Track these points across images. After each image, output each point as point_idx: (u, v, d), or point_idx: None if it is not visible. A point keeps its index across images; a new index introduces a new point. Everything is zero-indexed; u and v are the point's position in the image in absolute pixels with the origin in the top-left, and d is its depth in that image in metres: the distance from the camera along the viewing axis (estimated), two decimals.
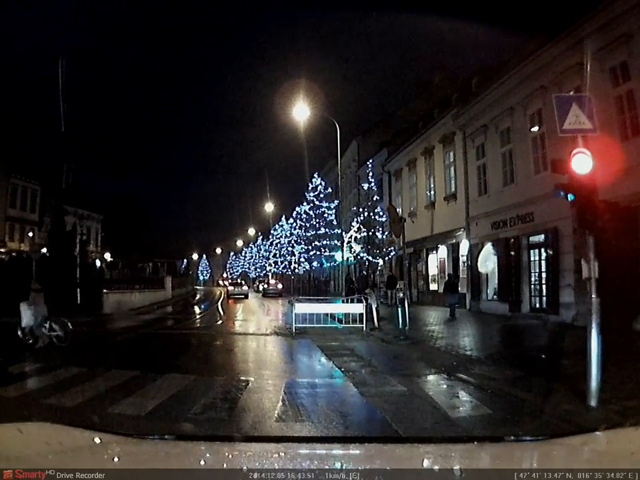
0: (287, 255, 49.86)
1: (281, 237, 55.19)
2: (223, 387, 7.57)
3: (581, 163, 6.09)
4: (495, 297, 20.70)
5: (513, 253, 19.32)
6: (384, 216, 26.68)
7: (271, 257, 64.20)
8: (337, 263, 32.59)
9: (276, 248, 58.79)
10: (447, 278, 22.36)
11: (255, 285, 70.05)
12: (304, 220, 39.93)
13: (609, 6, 13.61)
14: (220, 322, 20.80)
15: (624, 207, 6.84)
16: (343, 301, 17.62)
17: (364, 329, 14.97)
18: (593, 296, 6.23)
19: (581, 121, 6.35)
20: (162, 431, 4.01)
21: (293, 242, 45.68)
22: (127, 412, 6.05)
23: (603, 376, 6.19)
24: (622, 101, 13.65)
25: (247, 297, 43.45)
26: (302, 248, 39.97)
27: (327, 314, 17.05)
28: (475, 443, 2.87)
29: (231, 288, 48.63)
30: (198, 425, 5.60)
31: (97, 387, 7.31)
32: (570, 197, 6.21)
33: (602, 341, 6.15)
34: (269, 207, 56.78)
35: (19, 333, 11.68)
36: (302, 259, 41.35)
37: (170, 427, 5.46)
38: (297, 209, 45.38)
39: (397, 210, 20.52)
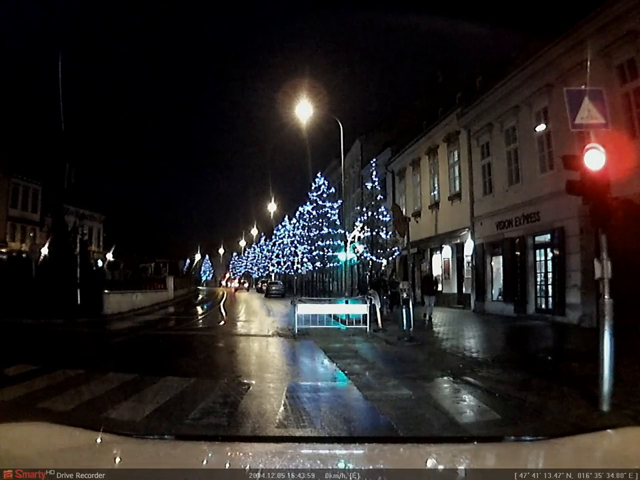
0: (289, 256, 49.66)
1: (284, 237, 54.98)
2: (223, 390, 7.37)
3: (594, 158, 5.89)
4: (500, 297, 20.52)
5: (518, 253, 19.13)
6: (388, 215, 26.47)
7: (273, 257, 64.05)
8: (340, 263, 32.34)
9: (279, 248, 58.61)
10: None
11: (257, 286, 70.39)
12: (307, 220, 39.72)
13: (615, 3, 13.46)
14: (222, 323, 20.62)
15: (637, 204, 6.62)
16: (347, 302, 17.41)
17: (367, 330, 14.78)
18: (606, 297, 6.03)
19: (593, 115, 6.15)
20: None
21: (295, 242, 45.48)
22: (122, 417, 5.86)
23: (615, 379, 6.01)
24: (630, 97, 13.44)
25: (247, 290, 74.55)
26: (305, 248, 39.76)
27: (330, 315, 16.85)
28: (475, 442, 2.85)
29: (236, 285, 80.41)
30: (196, 431, 5.41)
31: (93, 390, 7.11)
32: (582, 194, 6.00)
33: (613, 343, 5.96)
34: (272, 207, 56.77)
35: None
36: (305, 259, 41.12)
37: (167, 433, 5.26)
38: (300, 209, 45.19)
39: (401, 209, 20.33)
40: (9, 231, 43.20)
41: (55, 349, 12.47)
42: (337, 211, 36.76)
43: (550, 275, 17.64)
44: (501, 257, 20.56)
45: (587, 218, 8.69)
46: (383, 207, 27.97)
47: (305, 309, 15.46)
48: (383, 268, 27.55)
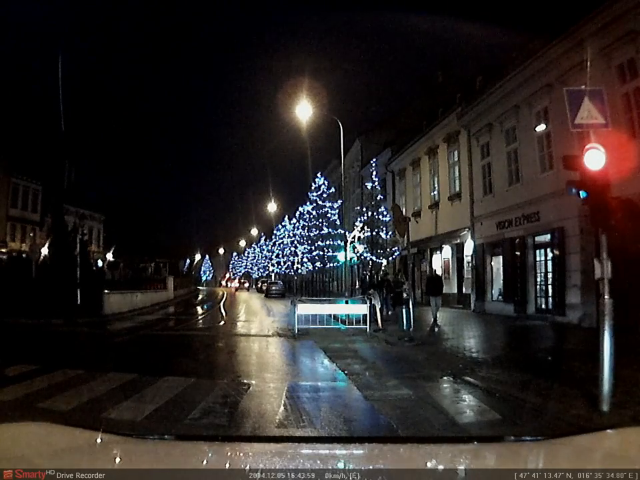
0: (289, 256, 49.65)
1: (284, 237, 54.94)
2: (223, 390, 7.37)
3: (594, 158, 5.89)
4: (500, 297, 20.51)
5: (518, 253, 19.12)
6: (387, 215, 26.48)
7: (273, 257, 64.02)
8: (340, 263, 32.32)
9: (279, 248, 58.58)
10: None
11: (257, 286, 70.39)
12: (307, 220, 39.70)
13: (615, 3, 13.45)
14: (222, 323, 20.63)
15: (637, 204, 6.62)
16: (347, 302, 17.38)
17: (367, 330, 14.77)
18: (606, 297, 6.03)
19: (593, 115, 6.15)
20: None
21: (295, 242, 45.47)
22: (123, 417, 5.86)
23: (614, 379, 6.00)
24: (630, 97, 13.44)
25: (248, 290, 74.79)
26: (305, 248, 39.74)
27: (330, 315, 16.84)
28: (475, 443, 2.84)
29: (236, 285, 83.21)
30: (196, 431, 5.40)
31: (94, 390, 7.11)
32: (582, 194, 6.01)
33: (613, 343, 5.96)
34: (272, 207, 56.70)
35: None
36: (305, 259, 41.11)
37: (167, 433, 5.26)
38: (300, 209, 45.17)
39: (401, 209, 20.31)
40: (8, 231, 43.20)
41: (55, 349, 12.47)
42: (337, 211, 36.72)
43: (550, 275, 17.63)
44: (501, 257, 20.55)
45: (586, 218, 8.70)
46: (383, 207, 27.97)
47: (305, 308, 15.46)
48: (383, 268, 27.53)
